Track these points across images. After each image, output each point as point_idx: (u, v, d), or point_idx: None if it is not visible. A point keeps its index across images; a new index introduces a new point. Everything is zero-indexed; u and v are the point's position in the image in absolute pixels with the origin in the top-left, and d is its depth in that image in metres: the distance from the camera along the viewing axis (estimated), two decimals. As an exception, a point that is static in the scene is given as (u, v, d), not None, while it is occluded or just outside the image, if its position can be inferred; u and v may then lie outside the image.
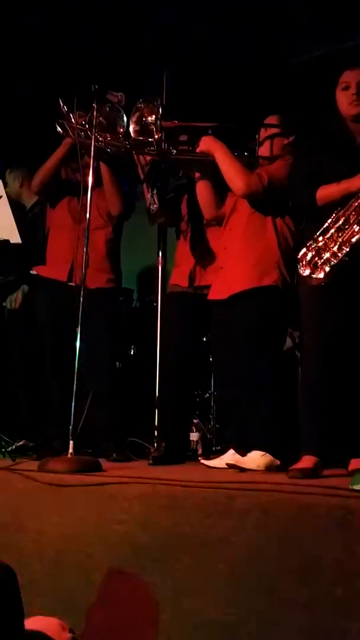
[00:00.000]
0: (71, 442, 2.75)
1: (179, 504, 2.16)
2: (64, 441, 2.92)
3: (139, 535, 2.20)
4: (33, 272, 3.76)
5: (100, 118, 3.23)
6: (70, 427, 2.78)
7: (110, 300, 3.64)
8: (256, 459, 2.96)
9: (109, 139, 3.33)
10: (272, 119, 3.29)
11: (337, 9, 4.09)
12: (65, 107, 3.25)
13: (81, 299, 2.91)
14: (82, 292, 2.93)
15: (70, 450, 2.75)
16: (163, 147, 3.33)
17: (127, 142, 3.34)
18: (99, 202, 3.56)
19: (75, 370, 2.85)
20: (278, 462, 2.97)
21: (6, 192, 3.83)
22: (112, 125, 3.30)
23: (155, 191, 3.56)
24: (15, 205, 3.77)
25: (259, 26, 4.14)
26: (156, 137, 3.27)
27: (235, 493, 2.12)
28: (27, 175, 3.95)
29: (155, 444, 3.38)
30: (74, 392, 2.82)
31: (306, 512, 1.97)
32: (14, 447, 3.71)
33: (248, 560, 2.00)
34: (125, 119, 3.28)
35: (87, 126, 3.24)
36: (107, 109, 3.27)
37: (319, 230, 2.69)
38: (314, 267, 2.66)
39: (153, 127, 3.29)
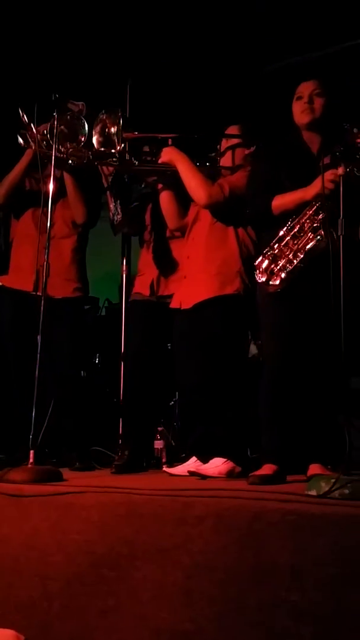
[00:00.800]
0: (31, 452, 2.74)
1: (136, 512, 2.17)
2: (26, 451, 2.91)
3: (97, 544, 2.20)
4: None
5: (62, 127, 3.24)
6: (31, 437, 2.77)
7: (76, 309, 3.64)
8: (217, 466, 2.98)
9: (70, 149, 3.34)
10: (233, 129, 3.33)
11: (303, 21, 4.16)
12: (25, 117, 3.26)
13: (42, 307, 2.91)
14: (42, 301, 2.93)
15: (31, 460, 2.73)
16: (125, 158, 3.35)
17: (89, 153, 3.36)
18: (63, 211, 3.58)
19: (36, 378, 2.84)
20: (239, 469, 2.99)
21: None
22: (73, 134, 3.31)
23: (118, 201, 3.58)
24: None
25: (221, 35, 4.18)
26: (118, 148, 3.28)
27: (192, 500, 2.14)
28: None
29: (119, 453, 3.39)
30: (34, 401, 2.80)
31: (261, 518, 1.99)
32: None
33: (204, 567, 2.02)
34: (87, 128, 3.30)
35: (48, 136, 3.25)
36: (69, 117, 3.28)
37: (274, 238, 2.73)
38: (271, 274, 2.71)
39: (115, 137, 3.31)
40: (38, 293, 3.45)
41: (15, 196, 3.61)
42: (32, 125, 3.26)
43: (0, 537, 2.39)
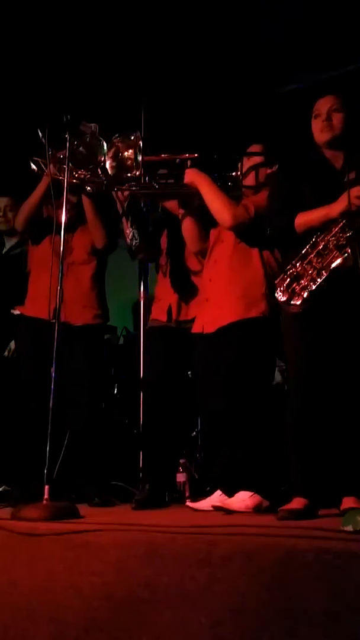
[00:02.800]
0: (46, 487, 2.60)
1: (157, 552, 2.00)
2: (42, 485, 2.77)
3: (115, 587, 2.04)
4: (16, 312, 3.65)
5: (81, 149, 3.16)
6: (46, 471, 2.62)
7: (95, 337, 3.54)
8: (244, 500, 2.83)
9: (87, 176, 3.26)
10: (255, 148, 3.24)
11: (320, 40, 4.09)
12: (44, 139, 3.16)
13: (55, 334, 2.79)
14: (56, 328, 2.81)
15: (46, 495, 2.59)
16: (144, 181, 3.25)
17: (105, 179, 3.27)
18: (83, 237, 3.52)
19: (50, 409, 2.71)
20: (267, 503, 2.84)
21: (7, 219, 3.86)
22: (92, 156, 3.22)
23: (134, 226, 3.49)
24: None
25: (239, 55, 4.11)
26: (137, 172, 3.19)
27: (217, 538, 1.97)
28: (11, 204, 3.88)
29: (140, 487, 3.24)
30: (49, 433, 2.67)
31: (293, 558, 1.81)
32: None
33: (231, 611, 1.84)
34: (105, 148, 3.21)
35: (64, 160, 3.16)
36: (87, 139, 3.19)
37: (297, 256, 2.61)
38: (292, 294, 2.58)
39: (131, 161, 3.22)
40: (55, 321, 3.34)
41: (34, 223, 3.53)
42: (50, 149, 3.16)
43: (12, 579, 2.24)
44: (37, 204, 3.49)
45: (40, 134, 3.14)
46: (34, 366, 3.42)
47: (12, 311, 3.68)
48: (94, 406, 3.51)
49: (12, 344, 3.83)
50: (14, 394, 3.70)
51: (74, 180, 3.28)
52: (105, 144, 3.22)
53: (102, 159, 3.22)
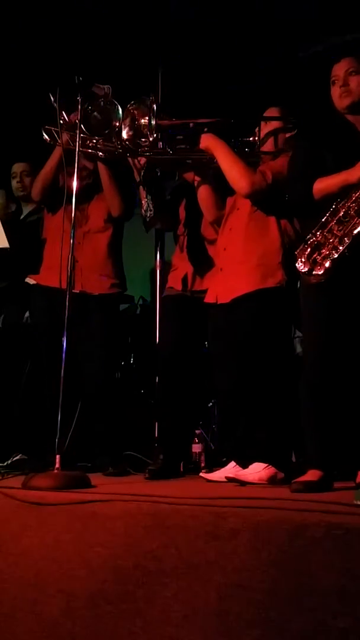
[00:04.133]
0: (57, 457, 2.57)
1: (164, 524, 1.97)
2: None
3: (122, 558, 2.02)
4: (31, 281, 3.61)
5: (95, 113, 3.07)
6: (57, 440, 2.60)
7: (112, 307, 3.49)
8: (258, 471, 2.77)
9: (100, 144, 3.18)
10: (273, 112, 3.13)
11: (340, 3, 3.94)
12: (55, 102, 3.07)
13: (67, 303, 2.74)
14: (67, 297, 2.76)
15: (57, 465, 2.57)
16: (159, 147, 3.16)
17: (120, 146, 3.19)
18: (99, 205, 3.45)
19: (62, 378, 2.67)
20: (282, 475, 2.78)
21: (24, 186, 3.81)
22: (107, 121, 3.14)
23: (150, 196, 3.40)
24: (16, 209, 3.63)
25: (257, 17, 3.98)
26: (151, 138, 3.10)
27: (226, 511, 1.93)
28: (28, 170, 3.83)
29: (154, 457, 3.21)
30: (60, 403, 2.64)
31: (303, 533, 1.77)
32: (9, 461, 3.56)
33: (239, 586, 1.81)
34: (120, 112, 3.12)
35: (80, 125, 3.07)
36: (101, 102, 3.10)
37: (317, 224, 2.51)
38: (313, 264, 2.49)
39: (147, 128, 3.13)
40: (75, 291, 3.29)
41: (51, 192, 3.46)
42: (62, 113, 3.08)
43: (21, 548, 2.23)
44: (51, 173, 3.42)
45: (51, 98, 3.06)
46: (49, 336, 3.37)
47: (26, 280, 3.64)
48: (108, 376, 3.48)
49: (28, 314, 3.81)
50: (31, 363, 3.69)
51: (88, 150, 3.21)
52: (120, 108, 3.13)
53: (117, 123, 3.13)
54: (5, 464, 3.53)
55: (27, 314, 3.83)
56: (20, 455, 3.63)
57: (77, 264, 3.15)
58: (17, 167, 3.90)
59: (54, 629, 2.10)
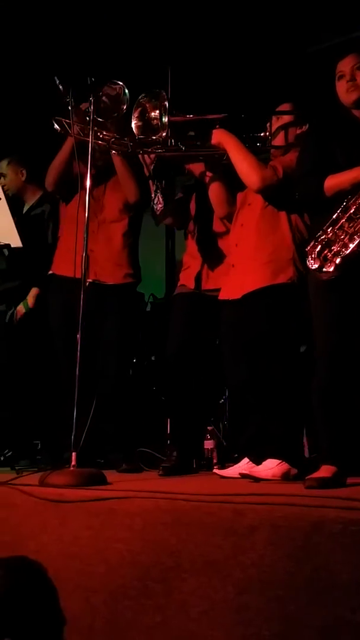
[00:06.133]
0: (73, 454, 2.59)
1: (182, 520, 2.00)
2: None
3: (141, 554, 2.04)
4: (49, 272, 3.59)
5: (104, 98, 3.05)
6: (73, 437, 2.62)
7: (127, 297, 3.47)
8: (271, 468, 2.79)
9: (112, 138, 3.18)
10: (284, 107, 3.12)
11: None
12: (62, 87, 3.03)
13: (82, 295, 2.74)
14: (82, 289, 2.75)
15: (73, 462, 2.59)
16: (171, 143, 3.17)
17: (131, 141, 3.19)
18: (114, 194, 3.44)
19: (77, 376, 2.69)
20: (295, 471, 2.79)
21: (5, 188, 3.72)
22: (116, 105, 3.11)
23: (159, 191, 3.41)
24: (13, 202, 3.62)
25: (268, 12, 3.97)
26: (164, 134, 3.10)
27: (244, 507, 1.95)
28: (31, 169, 3.83)
29: (167, 454, 3.23)
30: (75, 400, 2.66)
31: (320, 528, 1.79)
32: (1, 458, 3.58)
33: (258, 581, 1.83)
34: (128, 95, 3.09)
35: (90, 113, 3.04)
36: (111, 86, 3.09)
37: (328, 221, 2.52)
38: (324, 261, 2.49)
39: (157, 122, 3.13)
40: (88, 279, 3.28)
41: (65, 182, 3.44)
42: (70, 99, 3.05)
43: (39, 545, 2.25)
44: (63, 164, 3.41)
45: (57, 81, 3.01)
46: (66, 327, 3.34)
47: (41, 273, 3.62)
48: (121, 372, 3.48)
49: (20, 308, 3.76)
50: (47, 357, 3.67)
51: (100, 142, 3.21)
52: (127, 92, 3.10)
53: (125, 107, 3.10)
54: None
55: (15, 311, 3.79)
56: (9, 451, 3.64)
57: (91, 254, 3.13)
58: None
59: (73, 625, 2.12)
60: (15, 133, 4.21)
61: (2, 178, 3.88)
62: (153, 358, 4.46)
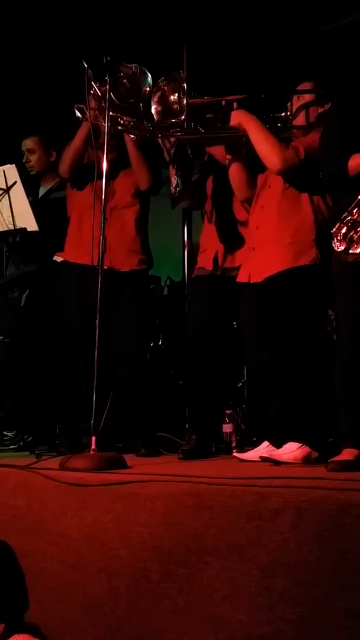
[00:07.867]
0: (93, 438, 2.58)
1: (205, 504, 1.98)
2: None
3: (163, 538, 2.03)
4: (59, 258, 3.58)
5: (125, 80, 3.01)
6: (92, 421, 2.61)
7: (141, 283, 3.46)
8: (292, 451, 2.77)
9: (131, 122, 3.14)
10: (305, 85, 3.07)
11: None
12: (90, 72, 2.99)
13: (99, 283, 2.73)
14: (100, 276, 2.74)
15: (93, 446, 2.58)
16: (190, 126, 3.12)
17: (150, 125, 3.15)
18: (125, 180, 3.41)
19: (96, 361, 2.67)
20: (316, 454, 2.77)
21: (30, 165, 3.72)
22: (136, 88, 3.07)
23: (179, 173, 3.36)
24: (27, 185, 3.59)
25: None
26: (182, 116, 3.05)
27: (267, 491, 1.93)
28: (32, 146, 3.79)
29: (186, 438, 3.21)
30: (94, 385, 2.64)
31: (346, 512, 1.76)
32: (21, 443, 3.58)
33: (282, 564, 1.81)
34: (150, 79, 3.06)
35: (110, 95, 2.99)
36: (131, 70, 3.04)
37: (353, 202, 2.48)
38: (350, 242, 2.45)
39: (177, 105, 3.08)
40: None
41: (80, 169, 3.42)
42: (90, 89, 3.02)
43: (62, 529, 2.25)
44: (80, 149, 3.38)
45: (85, 65, 2.96)
46: (80, 313, 3.33)
47: (54, 258, 3.61)
48: (140, 357, 3.47)
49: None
50: (64, 342, 3.65)
51: (118, 127, 3.17)
52: (149, 75, 3.06)
53: (147, 90, 3.06)
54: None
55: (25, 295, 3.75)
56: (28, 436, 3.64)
57: (103, 240, 3.12)
58: (23, 145, 3.83)
59: (96, 608, 2.12)
60: (37, 118, 4.15)
61: (28, 154, 3.83)
62: (170, 342, 4.44)
